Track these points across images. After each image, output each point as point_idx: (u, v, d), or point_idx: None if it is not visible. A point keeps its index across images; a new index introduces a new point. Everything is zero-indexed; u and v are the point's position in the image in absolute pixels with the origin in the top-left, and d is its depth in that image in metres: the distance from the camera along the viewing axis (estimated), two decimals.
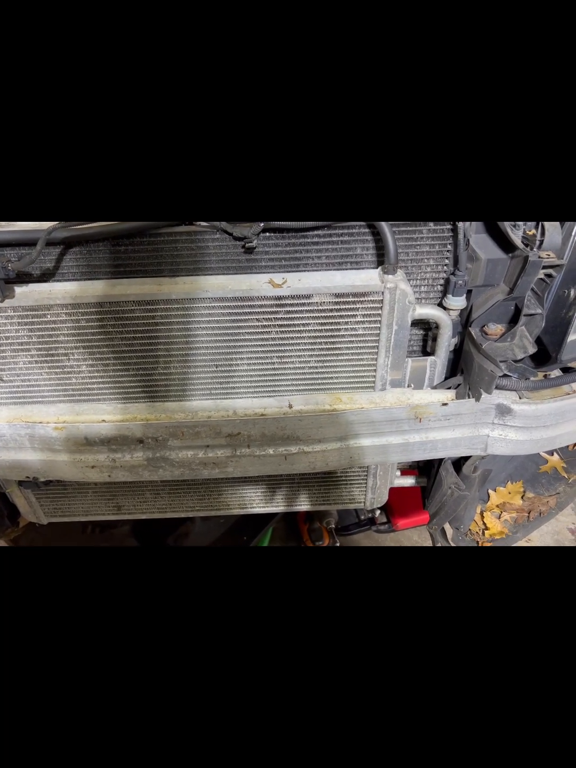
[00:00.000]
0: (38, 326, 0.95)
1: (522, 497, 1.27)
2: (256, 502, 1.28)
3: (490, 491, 1.28)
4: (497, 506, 1.26)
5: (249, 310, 0.96)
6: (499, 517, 1.25)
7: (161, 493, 1.25)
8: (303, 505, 1.30)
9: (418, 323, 1.04)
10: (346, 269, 0.98)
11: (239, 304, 0.95)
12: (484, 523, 1.24)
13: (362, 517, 1.90)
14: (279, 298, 0.94)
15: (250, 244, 0.93)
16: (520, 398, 0.99)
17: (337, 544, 1.83)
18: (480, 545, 1.21)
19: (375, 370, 1.03)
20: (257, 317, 0.96)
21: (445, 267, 0.99)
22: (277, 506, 1.29)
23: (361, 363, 1.03)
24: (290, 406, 1.02)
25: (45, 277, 0.96)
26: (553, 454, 1.33)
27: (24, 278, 0.94)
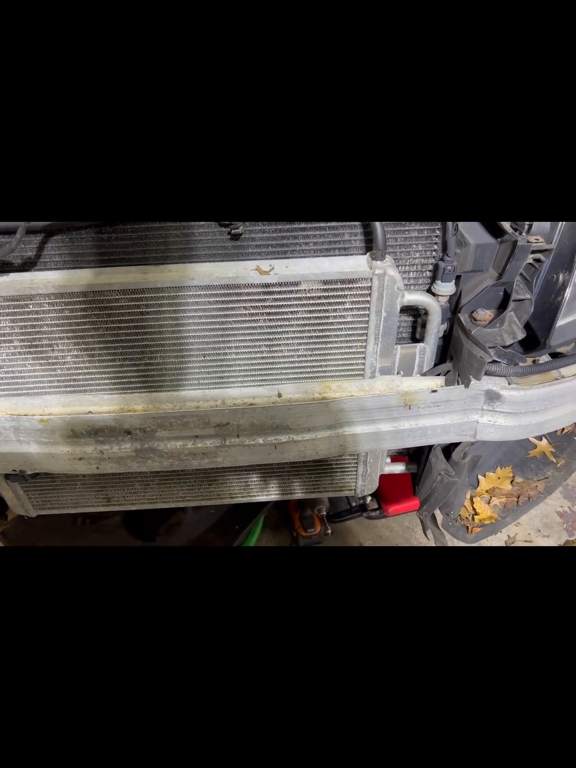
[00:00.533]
0: (20, 317, 0.93)
1: (511, 482, 1.28)
2: (246, 492, 1.28)
3: (479, 477, 1.29)
4: (487, 491, 1.26)
5: (236, 298, 0.94)
6: (489, 502, 1.26)
7: (151, 484, 1.24)
8: (294, 493, 1.30)
9: (407, 310, 1.03)
10: (335, 255, 0.96)
11: (226, 292, 0.93)
12: (474, 509, 1.25)
13: (353, 504, 1.91)
14: (266, 285, 0.93)
15: (236, 230, 0.92)
16: (509, 384, 0.99)
17: (329, 532, 1.84)
18: (470, 531, 1.22)
19: (364, 358, 1.03)
20: (245, 305, 0.95)
21: (433, 252, 0.98)
22: (268, 495, 1.29)
23: (351, 351, 1.02)
24: (279, 395, 1.01)
25: (26, 266, 0.93)
26: (541, 439, 1.34)
27: (4, 268, 0.92)
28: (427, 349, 1.05)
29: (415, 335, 1.08)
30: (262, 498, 1.30)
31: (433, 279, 1.00)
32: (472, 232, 0.97)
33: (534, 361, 1.04)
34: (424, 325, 1.03)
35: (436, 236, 0.96)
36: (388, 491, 1.89)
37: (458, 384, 0.99)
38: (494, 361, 0.97)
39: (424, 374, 1.07)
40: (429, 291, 1.02)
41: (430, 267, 1.00)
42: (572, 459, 1.33)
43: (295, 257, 0.96)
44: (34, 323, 0.94)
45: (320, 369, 1.04)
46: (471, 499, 1.25)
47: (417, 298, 0.97)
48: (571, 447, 1.35)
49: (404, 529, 2.04)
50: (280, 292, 0.94)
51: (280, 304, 0.96)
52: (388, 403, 1.00)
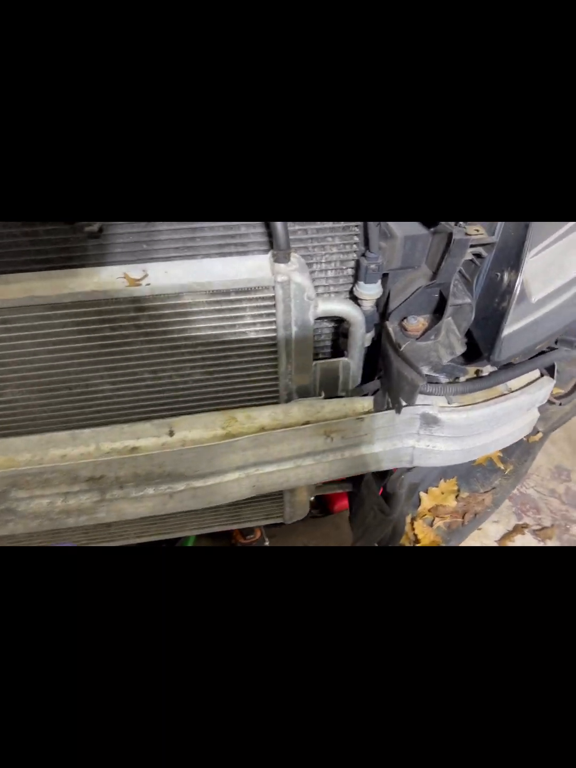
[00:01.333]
0: None
1: (456, 497, 1.15)
2: (152, 531, 1.08)
3: (421, 493, 1.15)
4: (429, 510, 1.13)
5: (100, 316, 0.72)
6: (432, 524, 1.12)
7: (36, 533, 1.03)
8: (215, 526, 1.12)
9: (326, 317, 0.84)
10: (229, 255, 0.75)
11: (86, 309, 0.71)
12: (415, 535, 1.11)
13: None
14: (137, 299, 0.71)
15: (91, 228, 0.69)
16: (448, 403, 0.83)
17: (267, 542, 1.69)
18: None
19: (277, 379, 0.84)
20: (112, 325, 0.73)
21: (354, 247, 0.78)
22: (181, 531, 1.11)
23: (258, 372, 0.82)
24: (171, 434, 0.81)
25: None
26: None
27: None
28: (352, 363, 0.86)
29: (339, 345, 0.90)
30: (177, 534, 1.12)
31: (356, 279, 0.81)
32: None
33: (477, 372, 0.87)
34: (346, 335, 0.85)
35: (356, 226, 0.76)
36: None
37: (388, 408, 0.82)
38: (430, 379, 0.80)
39: (350, 392, 0.90)
40: (351, 293, 0.83)
41: (352, 264, 0.81)
42: (521, 463, 1.21)
43: (177, 259, 0.74)
44: None
45: (222, 396, 0.84)
46: (411, 521, 1.12)
47: (333, 307, 0.78)
48: (520, 449, 1.23)
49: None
50: (157, 307, 0.73)
51: (161, 320, 0.75)
52: (307, 434, 0.82)
